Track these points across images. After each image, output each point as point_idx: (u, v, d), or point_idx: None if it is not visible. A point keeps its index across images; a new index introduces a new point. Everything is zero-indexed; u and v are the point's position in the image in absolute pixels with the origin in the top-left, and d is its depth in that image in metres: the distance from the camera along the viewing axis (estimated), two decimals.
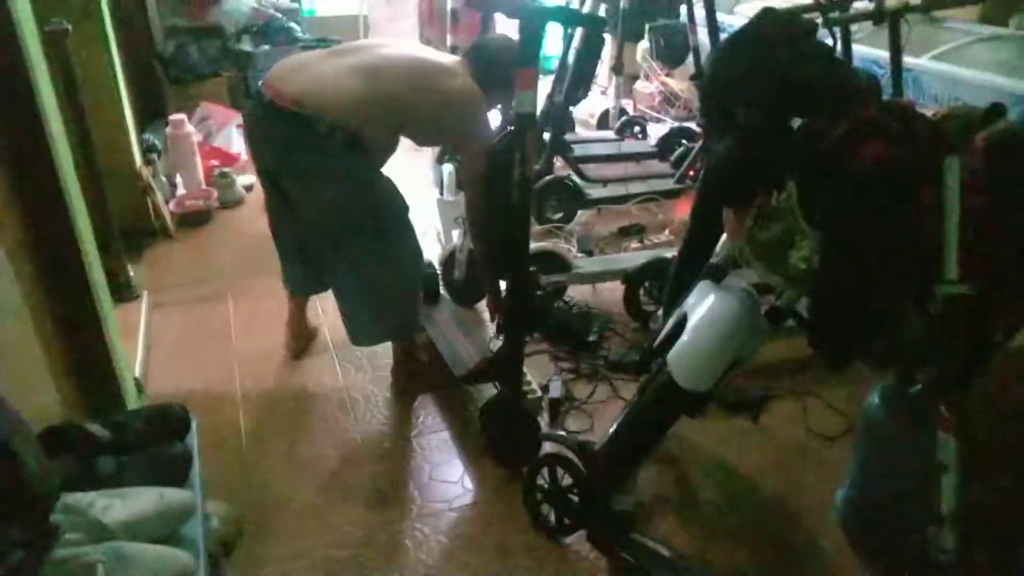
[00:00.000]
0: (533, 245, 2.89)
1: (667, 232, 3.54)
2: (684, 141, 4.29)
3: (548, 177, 3.58)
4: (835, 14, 2.52)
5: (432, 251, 3.25)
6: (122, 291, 2.77)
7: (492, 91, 2.17)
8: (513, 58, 1.95)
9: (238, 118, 4.48)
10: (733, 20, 4.27)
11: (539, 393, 2.36)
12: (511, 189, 1.87)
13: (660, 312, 2.39)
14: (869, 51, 3.57)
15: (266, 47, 5.00)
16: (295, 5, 5.43)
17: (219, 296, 2.97)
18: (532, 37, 1.77)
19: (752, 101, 1.65)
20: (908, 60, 3.36)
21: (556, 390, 2.36)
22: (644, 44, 5.34)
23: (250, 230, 3.58)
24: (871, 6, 2.61)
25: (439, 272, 2.96)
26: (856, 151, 1.43)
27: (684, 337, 1.69)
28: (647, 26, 5.23)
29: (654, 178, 3.97)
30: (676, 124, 4.57)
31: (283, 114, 1.99)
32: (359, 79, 2.03)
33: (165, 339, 2.72)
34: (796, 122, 1.61)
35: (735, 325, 1.68)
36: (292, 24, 5.16)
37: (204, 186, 3.80)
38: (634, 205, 3.69)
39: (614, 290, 2.94)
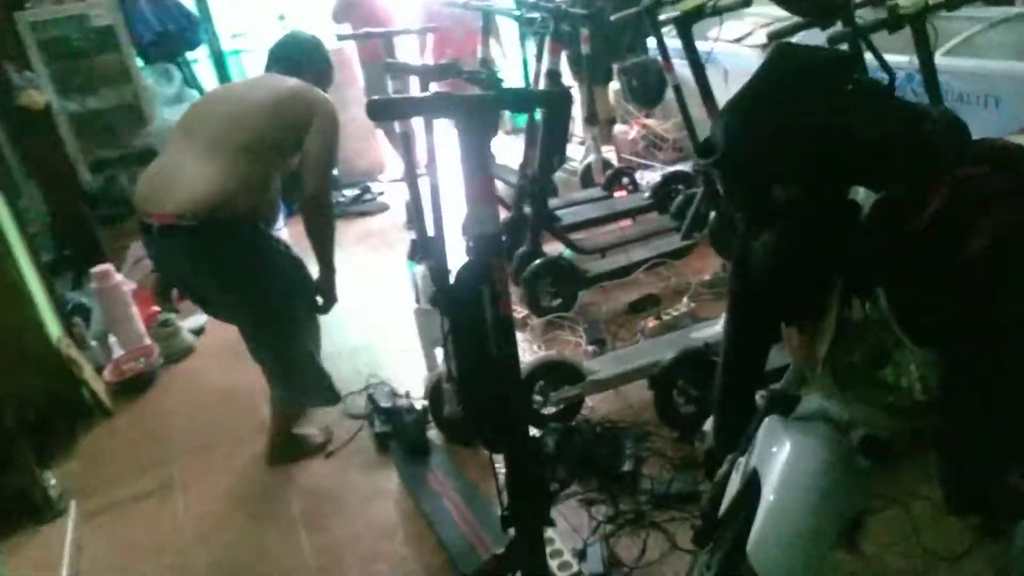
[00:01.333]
0: (534, 357, 2.39)
1: (685, 300, 3.00)
2: (680, 187, 3.81)
3: (537, 261, 3.08)
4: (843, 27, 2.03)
5: (414, 381, 2.74)
6: (41, 510, 2.23)
7: (305, 77, 2.23)
8: (302, 39, 2.39)
9: None
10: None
11: (574, 567, 1.80)
12: (485, 339, 1.35)
13: (708, 427, 1.85)
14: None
15: None
16: None
17: (166, 488, 2.42)
18: (476, 139, 1.27)
19: (789, 175, 1.15)
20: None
21: (595, 560, 1.79)
22: (615, 85, 4.93)
23: (202, 384, 3.07)
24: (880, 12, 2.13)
25: (426, 409, 2.44)
26: (966, 229, 0.94)
27: (763, 515, 1.16)
28: (615, 67, 4.85)
29: (656, 236, 3.48)
30: (668, 169, 4.09)
31: (177, 231, 1.96)
32: (219, 162, 2.01)
33: (100, 564, 2.16)
34: (861, 193, 1.13)
35: (831, 482, 1.16)
36: None
37: (145, 341, 3.28)
38: (641, 273, 3.19)
39: (640, 387, 2.41)
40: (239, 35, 5.34)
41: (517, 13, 3.43)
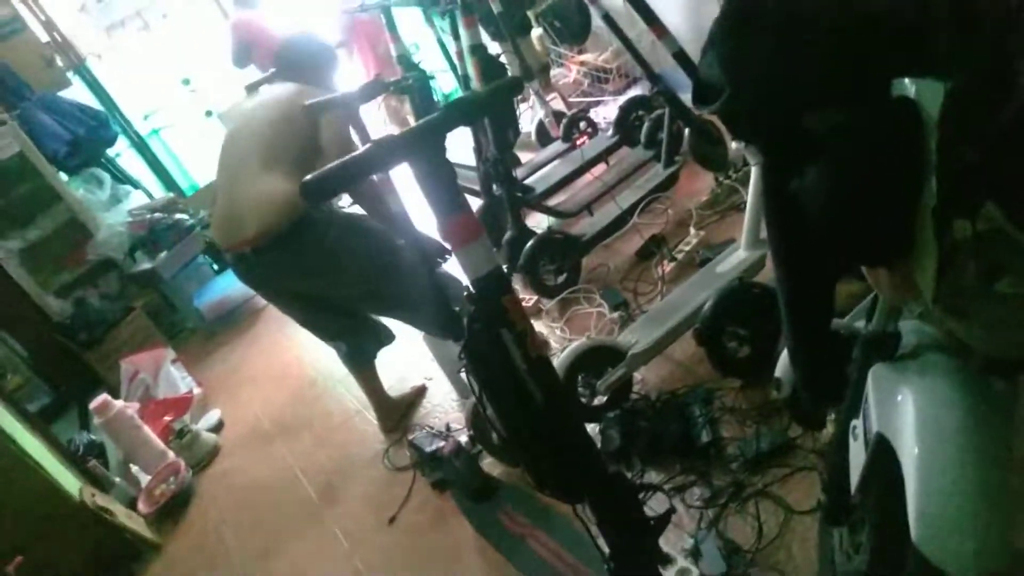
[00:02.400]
0: (566, 353, 2.19)
1: (692, 230, 2.82)
2: (642, 113, 3.59)
3: (530, 243, 2.87)
4: None
5: (450, 413, 2.57)
6: None
7: (305, 78, 2.30)
8: (293, 38, 2.43)
9: (170, 352, 3.82)
10: None
11: (694, 573, 1.62)
12: (524, 386, 1.17)
13: (781, 372, 1.67)
14: None
15: (164, 253, 4.36)
16: (171, 195, 4.78)
17: None
18: (439, 171, 1.07)
19: (819, 95, 0.94)
20: None
21: (713, 556, 1.63)
22: (536, 32, 4.67)
23: (239, 482, 2.91)
24: None
25: (473, 440, 2.26)
26: None
27: (917, 490, 0.97)
28: (531, 15, 4.60)
29: (636, 173, 3.27)
30: (622, 99, 3.86)
31: (263, 250, 2.10)
32: (267, 175, 2.11)
33: None
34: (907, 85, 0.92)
35: (977, 422, 0.99)
36: (178, 216, 4.52)
37: (168, 457, 3.09)
38: (637, 217, 2.98)
39: (681, 341, 2.24)
40: (151, 114, 5.06)
41: None
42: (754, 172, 2.20)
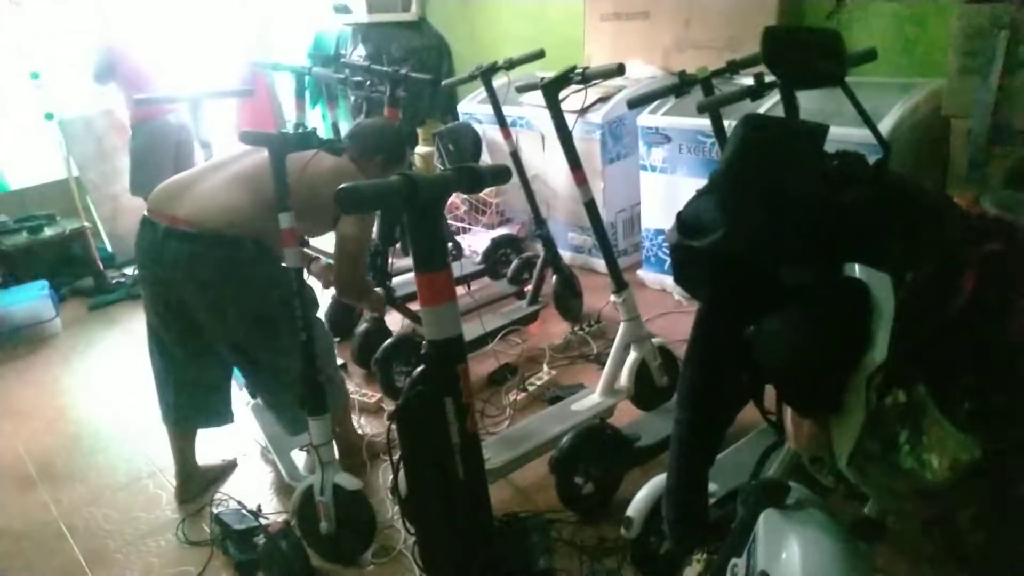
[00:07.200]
0: None
1: (545, 367, 2.94)
2: (509, 251, 3.80)
3: (389, 341, 2.84)
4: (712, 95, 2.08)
5: (259, 492, 2.38)
6: None
7: (364, 162, 2.27)
8: (385, 130, 2.44)
9: None
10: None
11: None
12: (448, 461, 1.14)
13: (633, 512, 1.76)
14: None
15: None
16: None
17: None
18: (430, 226, 1.09)
19: (796, 254, 1.10)
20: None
21: None
22: (423, 149, 4.87)
23: None
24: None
25: (295, 530, 2.09)
26: (1004, 310, 0.95)
27: None
28: (419, 132, 4.81)
29: (497, 302, 3.42)
30: (493, 233, 4.06)
31: (182, 236, 1.98)
32: (244, 188, 2.06)
33: None
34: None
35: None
36: None
37: None
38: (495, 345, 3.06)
39: (525, 469, 2.28)
40: None
41: (340, 76, 3.22)
42: (622, 328, 2.38)
